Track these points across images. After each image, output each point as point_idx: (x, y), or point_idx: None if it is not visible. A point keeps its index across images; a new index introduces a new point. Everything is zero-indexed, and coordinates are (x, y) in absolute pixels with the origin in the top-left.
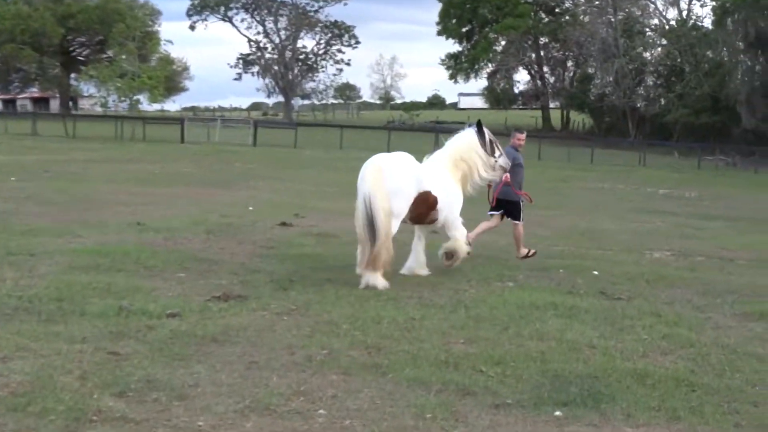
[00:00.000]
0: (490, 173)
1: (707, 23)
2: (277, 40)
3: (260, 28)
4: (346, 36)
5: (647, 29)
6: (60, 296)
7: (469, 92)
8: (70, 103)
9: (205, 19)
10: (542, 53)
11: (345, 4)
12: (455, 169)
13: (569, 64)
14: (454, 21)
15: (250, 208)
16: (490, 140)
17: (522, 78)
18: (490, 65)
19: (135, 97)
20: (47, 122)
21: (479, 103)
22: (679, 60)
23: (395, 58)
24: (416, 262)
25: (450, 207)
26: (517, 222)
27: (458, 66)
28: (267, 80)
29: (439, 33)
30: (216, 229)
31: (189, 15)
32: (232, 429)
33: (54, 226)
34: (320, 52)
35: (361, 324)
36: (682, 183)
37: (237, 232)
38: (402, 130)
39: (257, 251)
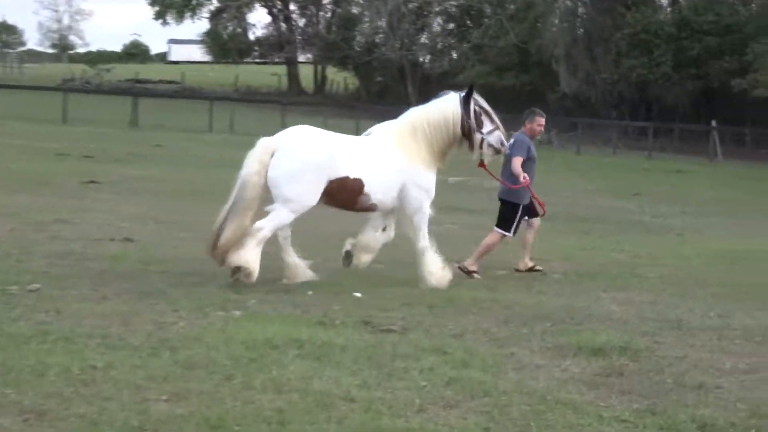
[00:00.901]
0: (477, 153)
1: None
2: None
3: None
4: None
5: None
6: None
7: (183, 39)
8: None
9: None
10: None
11: None
12: (413, 142)
13: (325, 0)
14: None
15: None
16: (477, 110)
17: (260, 20)
18: (213, 1)
19: None
20: None
21: (198, 54)
22: None
23: None
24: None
25: (391, 190)
26: (506, 234)
27: (167, 1)
28: None
29: None
30: None
31: None
32: None
33: None
34: None
35: (15, 377)
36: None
37: None
38: (85, 92)
39: None
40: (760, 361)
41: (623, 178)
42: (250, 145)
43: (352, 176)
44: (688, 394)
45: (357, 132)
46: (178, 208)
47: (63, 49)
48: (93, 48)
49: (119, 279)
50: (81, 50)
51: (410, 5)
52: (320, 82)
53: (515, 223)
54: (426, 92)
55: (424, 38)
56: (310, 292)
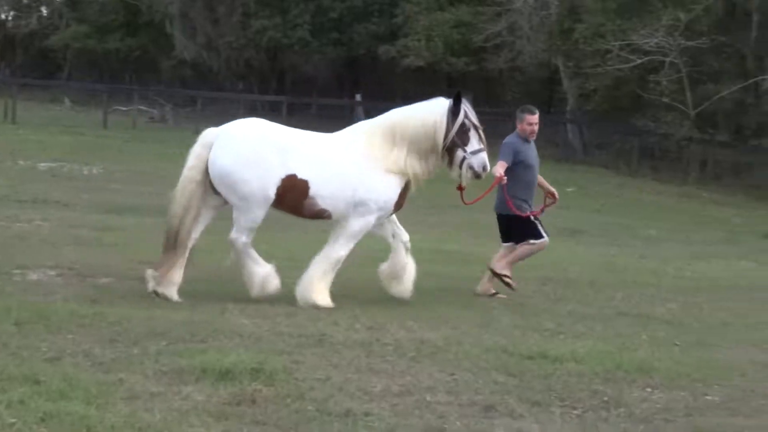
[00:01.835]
0: (455, 172)
1: None
2: None
3: None
4: None
5: None
6: None
7: None
8: None
9: None
10: None
11: None
12: (384, 147)
13: None
14: None
15: None
16: (464, 124)
17: None
18: None
19: None
20: None
21: None
22: None
23: None
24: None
25: (345, 196)
26: (534, 241)
27: None
28: None
29: None
30: None
31: None
32: None
33: None
34: None
35: None
36: (78, 149)
37: None
38: None
39: None
40: (415, 381)
41: None
42: None
43: (299, 176)
44: (333, 423)
45: None
46: None
47: None
48: None
49: None
50: None
51: None
52: None
53: (539, 227)
54: (9, 58)
55: None
56: None
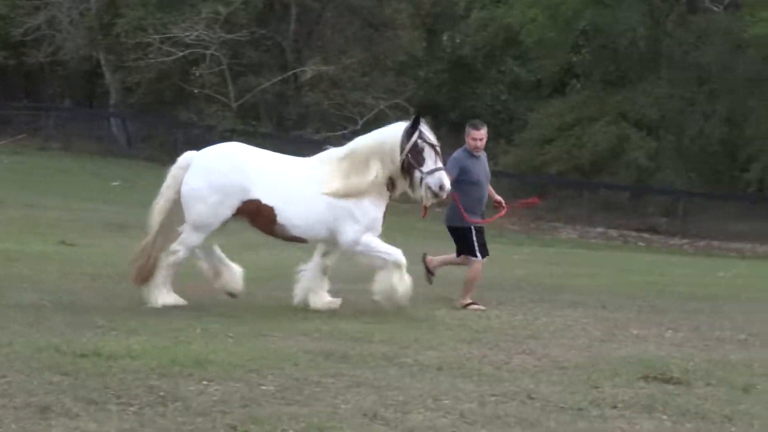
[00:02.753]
0: (417, 192)
1: None
2: None
3: None
4: None
5: None
6: None
7: None
8: None
9: None
10: None
11: None
12: (349, 171)
13: None
14: None
15: None
16: (418, 144)
17: None
18: None
19: None
20: None
21: None
22: None
23: None
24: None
25: (317, 222)
26: (474, 258)
27: None
28: None
29: None
30: None
31: None
32: None
33: None
34: None
35: None
36: None
37: None
38: None
39: None
40: None
41: None
42: None
43: (264, 201)
44: None
45: None
46: None
47: None
48: None
49: None
50: None
51: None
52: None
53: (476, 245)
54: None
55: None
56: None
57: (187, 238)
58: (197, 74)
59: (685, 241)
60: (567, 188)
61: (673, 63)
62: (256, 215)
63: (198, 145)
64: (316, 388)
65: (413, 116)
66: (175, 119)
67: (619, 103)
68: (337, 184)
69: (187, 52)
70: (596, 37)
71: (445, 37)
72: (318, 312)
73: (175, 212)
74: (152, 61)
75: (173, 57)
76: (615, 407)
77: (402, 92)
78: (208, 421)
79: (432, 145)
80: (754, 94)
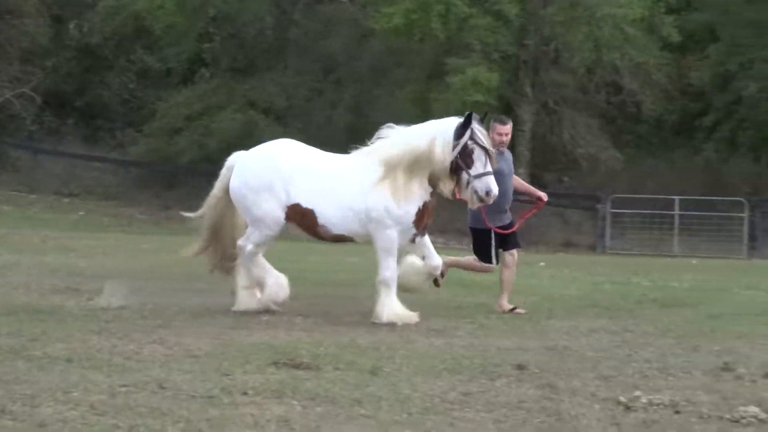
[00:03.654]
0: (463, 193)
1: None
2: None
3: None
4: None
5: None
6: None
7: None
8: None
9: None
10: None
11: None
12: (392, 167)
13: None
14: None
15: None
16: (469, 145)
17: None
18: None
19: None
20: None
21: None
22: None
23: None
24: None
25: (357, 220)
26: (486, 265)
27: None
28: None
29: None
30: None
31: None
32: None
33: None
34: None
35: None
36: None
37: None
38: None
39: None
40: None
41: None
42: None
43: (303, 205)
44: None
45: None
46: None
47: None
48: None
49: None
50: None
51: None
52: None
53: (492, 250)
54: None
55: None
56: None
57: (250, 234)
58: None
59: None
60: (197, 177)
61: (300, 52)
62: (297, 216)
63: None
64: None
65: (466, 114)
66: None
67: (248, 91)
68: (388, 180)
69: None
70: (224, 26)
71: (72, 26)
72: None
73: (228, 210)
74: None
75: None
76: (246, 393)
77: (28, 81)
78: None
79: (483, 147)
80: (379, 83)
